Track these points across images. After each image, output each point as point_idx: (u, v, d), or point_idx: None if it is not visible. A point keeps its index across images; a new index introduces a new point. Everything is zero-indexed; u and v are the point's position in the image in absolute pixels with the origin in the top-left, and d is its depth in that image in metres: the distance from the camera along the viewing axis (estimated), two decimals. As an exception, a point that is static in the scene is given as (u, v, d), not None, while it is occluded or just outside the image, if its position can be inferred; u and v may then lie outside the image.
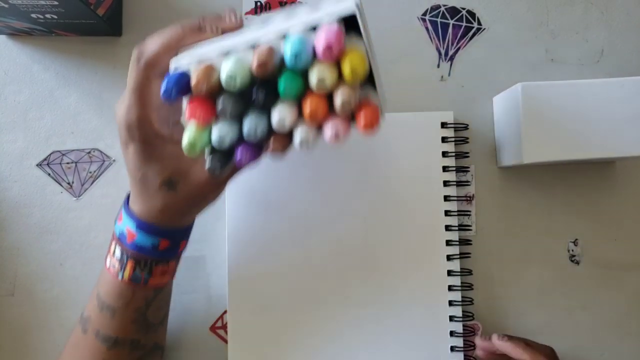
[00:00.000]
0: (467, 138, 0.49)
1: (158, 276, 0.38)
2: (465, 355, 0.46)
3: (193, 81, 0.29)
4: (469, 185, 0.49)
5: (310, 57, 0.28)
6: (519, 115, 0.43)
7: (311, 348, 0.46)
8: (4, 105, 0.48)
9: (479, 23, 0.51)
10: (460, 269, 0.47)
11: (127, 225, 0.37)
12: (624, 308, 0.49)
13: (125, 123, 0.34)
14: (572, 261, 0.49)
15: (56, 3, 0.40)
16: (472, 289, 0.48)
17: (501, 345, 0.43)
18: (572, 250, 0.49)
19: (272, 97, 0.29)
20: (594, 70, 0.51)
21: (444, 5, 0.51)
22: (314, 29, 0.29)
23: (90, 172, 0.48)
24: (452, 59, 0.50)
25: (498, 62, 0.50)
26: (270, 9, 0.50)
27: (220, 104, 0.29)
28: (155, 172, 0.35)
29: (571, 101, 0.43)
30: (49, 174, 0.48)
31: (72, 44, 0.49)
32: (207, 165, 0.32)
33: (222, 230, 0.47)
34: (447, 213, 0.47)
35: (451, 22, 0.51)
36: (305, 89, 0.29)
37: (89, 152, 0.48)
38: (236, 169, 0.36)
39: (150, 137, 0.35)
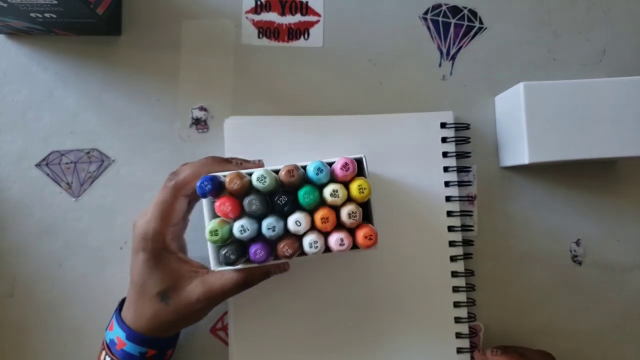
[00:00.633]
0: (469, 138, 0.48)
1: None
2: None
3: (227, 179, 0.34)
4: (470, 185, 0.49)
5: (329, 176, 0.35)
6: (521, 115, 0.43)
7: (312, 349, 0.46)
8: (3, 105, 0.48)
9: (481, 22, 0.50)
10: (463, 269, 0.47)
11: (117, 335, 0.39)
12: (626, 309, 0.48)
13: (142, 233, 0.38)
14: (574, 261, 0.49)
15: (55, 2, 0.40)
16: (475, 289, 0.47)
17: None
18: (575, 251, 0.49)
19: (291, 206, 0.35)
20: (596, 70, 0.50)
21: (446, 5, 0.50)
22: (330, 164, 0.36)
23: (90, 173, 0.48)
24: (453, 58, 0.50)
25: (500, 61, 0.50)
26: (270, 9, 0.50)
27: (248, 201, 0.35)
28: (155, 282, 0.38)
29: (573, 101, 0.43)
30: (48, 174, 0.48)
31: (72, 44, 0.49)
32: (223, 252, 0.35)
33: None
34: (449, 214, 0.47)
35: (453, 21, 0.50)
36: (319, 204, 0.35)
37: (88, 153, 0.48)
38: (224, 292, 0.38)
39: (159, 250, 0.38)
